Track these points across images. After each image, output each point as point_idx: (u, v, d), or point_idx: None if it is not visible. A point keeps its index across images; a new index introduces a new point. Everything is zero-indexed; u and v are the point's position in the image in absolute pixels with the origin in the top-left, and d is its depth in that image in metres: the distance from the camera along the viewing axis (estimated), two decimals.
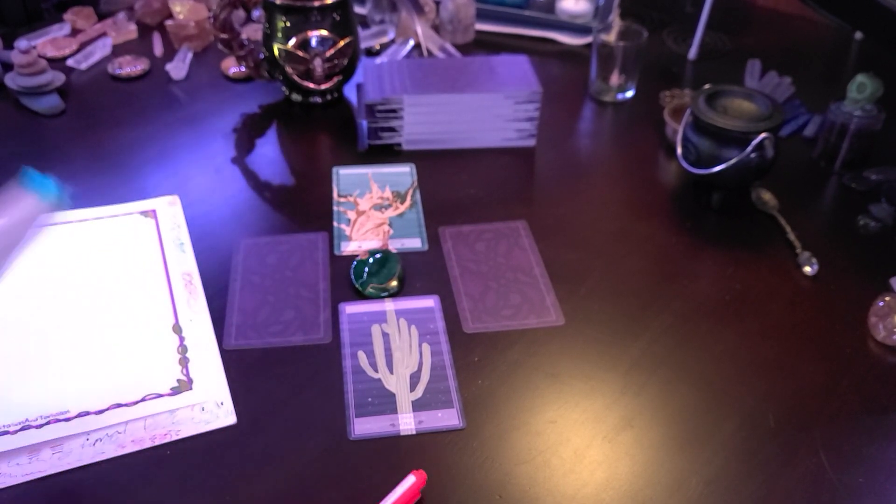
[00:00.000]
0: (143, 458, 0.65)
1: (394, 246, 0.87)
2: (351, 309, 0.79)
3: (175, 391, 0.70)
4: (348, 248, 0.87)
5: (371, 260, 0.83)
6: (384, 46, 1.25)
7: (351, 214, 0.91)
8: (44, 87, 1.09)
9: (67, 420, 0.67)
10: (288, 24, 1.02)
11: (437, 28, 1.27)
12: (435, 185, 0.97)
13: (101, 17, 1.29)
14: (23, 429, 0.66)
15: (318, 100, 1.10)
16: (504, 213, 0.92)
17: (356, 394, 0.71)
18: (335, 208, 0.92)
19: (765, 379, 0.73)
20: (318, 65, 1.04)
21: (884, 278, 0.83)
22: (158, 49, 1.23)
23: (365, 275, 0.82)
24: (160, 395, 0.70)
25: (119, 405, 0.69)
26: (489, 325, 0.78)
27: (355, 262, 0.83)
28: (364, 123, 1.00)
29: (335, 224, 0.90)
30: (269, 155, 1.03)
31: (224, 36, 1.04)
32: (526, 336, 0.77)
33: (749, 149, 0.87)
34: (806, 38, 1.33)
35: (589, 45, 1.24)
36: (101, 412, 0.68)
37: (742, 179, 0.90)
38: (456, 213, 0.92)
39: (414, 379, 0.72)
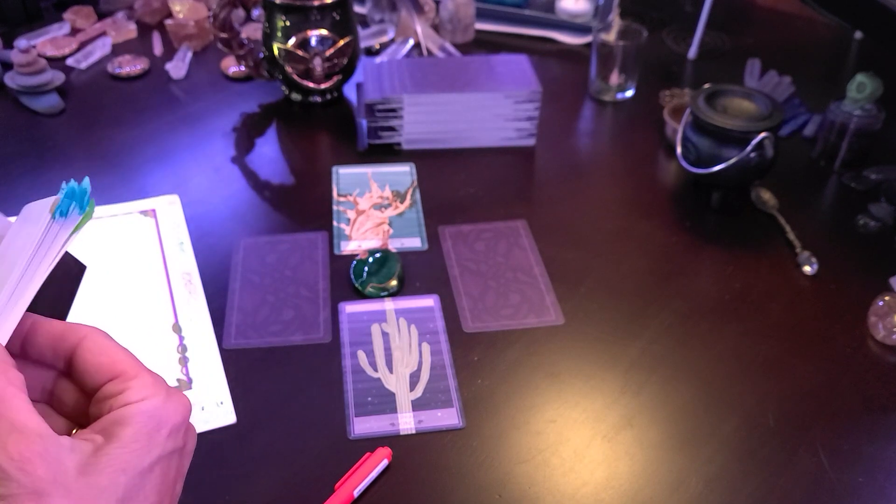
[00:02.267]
0: None
1: (393, 245, 0.87)
2: (351, 308, 0.79)
3: None
4: (348, 247, 0.87)
5: (371, 259, 0.83)
6: (384, 46, 1.25)
7: (350, 214, 0.91)
8: (43, 87, 1.09)
9: None
10: (288, 23, 1.02)
11: (436, 27, 1.27)
12: (435, 184, 0.97)
13: (101, 16, 1.29)
14: None
15: (318, 99, 1.10)
16: (504, 213, 0.92)
17: (356, 393, 0.71)
18: (335, 208, 0.92)
19: (765, 378, 0.73)
20: (317, 64, 1.04)
21: (883, 278, 0.83)
22: (158, 48, 1.23)
23: (364, 274, 0.82)
24: None
25: None
26: (489, 324, 0.78)
27: (355, 262, 0.83)
28: (364, 123, 1.00)
29: (335, 223, 0.90)
30: (268, 154, 1.03)
31: (224, 35, 1.04)
32: (525, 335, 0.77)
33: (749, 148, 0.87)
34: (806, 37, 1.33)
35: (589, 45, 1.24)
36: None
37: (742, 179, 0.90)
38: (456, 212, 0.92)
39: (414, 378, 0.72)
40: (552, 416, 0.69)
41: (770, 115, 0.88)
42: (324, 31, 1.03)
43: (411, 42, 1.24)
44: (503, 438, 0.67)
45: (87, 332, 0.39)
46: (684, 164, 0.92)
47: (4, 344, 0.37)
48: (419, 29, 1.23)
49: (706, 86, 0.93)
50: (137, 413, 0.36)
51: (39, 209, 0.40)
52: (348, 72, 1.09)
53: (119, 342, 0.40)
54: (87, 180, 0.40)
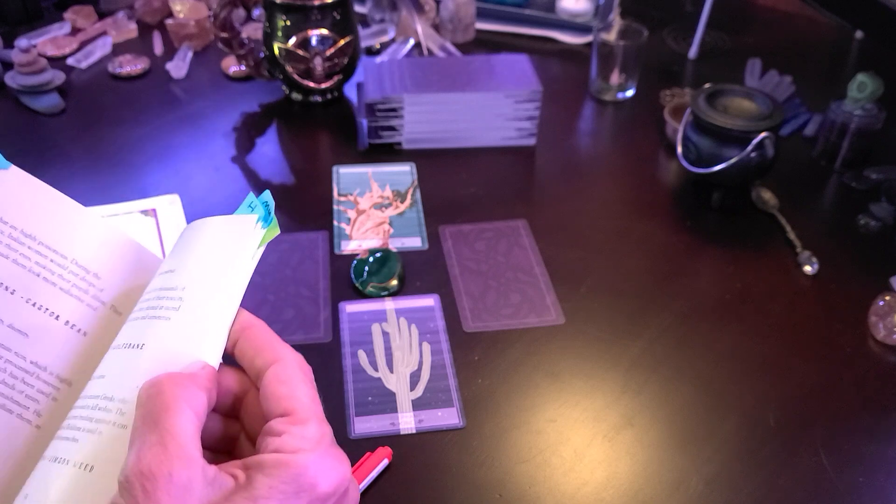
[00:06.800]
0: None
1: (394, 245, 0.87)
2: (351, 308, 0.79)
3: None
4: (348, 246, 0.87)
5: (371, 259, 0.83)
6: (384, 45, 1.25)
7: (351, 213, 0.91)
8: (44, 86, 1.09)
9: None
10: (288, 22, 1.02)
11: (437, 27, 1.27)
12: (435, 183, 0.97)
13: (102, 15, 1.29)
14: None
15: (319, 99, 1.10)
16: (504, 212, 0.92)
17: (356, 393, 0.71)
18: (335, 207, 0.92)
19: (765, 378, 0.73)
20: (318, 64, 1.04)
21: (884, 277, 0.83)
22: (158, 48, 1.23)
23: (365, 274, 0.82)
24: None
25: None
26: (489, 324, 0.78)
27: (355, 261, 0.83)
28: (364, 122, 1.00)
29: (335, 223, 0.90)
30: (269, 154, 1.03)
31: (224, 35, 1.04)
32: (526, 335, 0.77)
33: (749, 148, 0.87)
34: (806, 36, 1.33)
35: (589, 44, 1.24)
36: None
37: (742, 178, 0.90)
38: (456, 211, 0.92)
39: (414, 378, 0.72)
40: (552, 415, 0.69)
41: (770, 115, 0.88)
42: (324, 31, 1.03)
43: (412, 42, 1.24)
44: (503, 438, 0.67)
45: (286, 354, 0.38)
46: (685, 163, 0.92)
47: (216, 366, 0.37)
48: (419, 28, 1.23)
49: (707, 85, 0.93)
50: (281, 466, 0.33)
51: (222, 227, 0.40)
52: (349, 71, 1.09)
53: (313, 380, 0.38)
54: (268, 194, 0.40)
